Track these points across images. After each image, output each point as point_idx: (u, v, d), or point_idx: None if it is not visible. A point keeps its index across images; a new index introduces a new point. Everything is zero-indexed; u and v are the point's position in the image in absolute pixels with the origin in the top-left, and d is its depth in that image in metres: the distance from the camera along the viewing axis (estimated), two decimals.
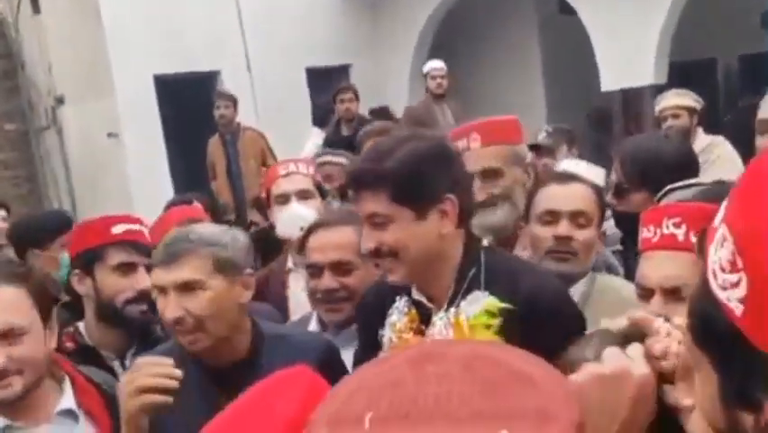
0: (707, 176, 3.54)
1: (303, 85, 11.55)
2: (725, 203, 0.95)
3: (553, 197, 2.79)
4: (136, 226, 2.95)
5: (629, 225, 2.85)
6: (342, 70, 11.96)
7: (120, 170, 10.07)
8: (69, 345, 2.83)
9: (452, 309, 2.16)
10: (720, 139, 5.44)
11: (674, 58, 11.08)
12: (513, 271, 2.22)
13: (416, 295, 2.26)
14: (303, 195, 3.71)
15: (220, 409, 2.16)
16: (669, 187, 2.72)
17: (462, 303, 2.15)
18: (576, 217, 2.73)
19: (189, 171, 9.97)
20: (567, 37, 12.20)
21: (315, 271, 2.78)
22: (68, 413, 2.23)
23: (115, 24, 9.86)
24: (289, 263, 3.67)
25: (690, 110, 5.49)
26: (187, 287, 2.23)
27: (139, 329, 2.87)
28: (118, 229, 2.89)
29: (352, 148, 7.62)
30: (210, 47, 10.63)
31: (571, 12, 11.82)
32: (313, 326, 2.95)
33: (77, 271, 2.86)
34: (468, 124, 3.30)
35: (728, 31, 13.31)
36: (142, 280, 2.74)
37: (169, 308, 2.23)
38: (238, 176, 8.40)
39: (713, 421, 1.00)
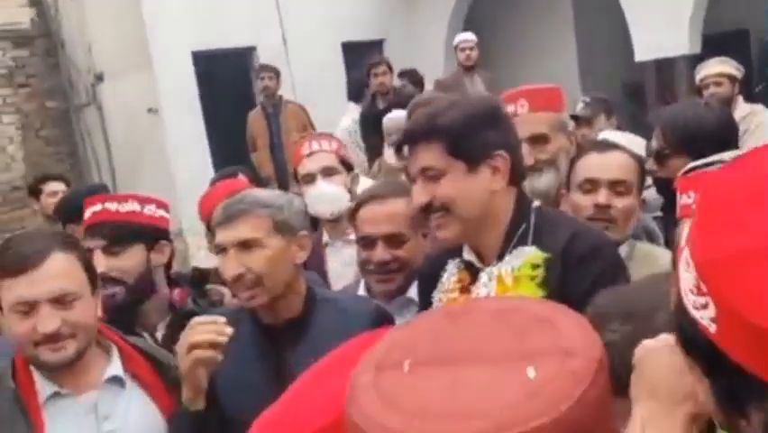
0: (747, 144, 3.57)
1: (338, 59, 11.63)
2: (688, 224, 0.98)
3: (593, 165, 2.84)
4: (98, 207, 2.89)
5: (670, 190, 2.90)
6: (377, 45, 12.04)
7: (160, 145, 10.22)
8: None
9: (497, 264, 2.22)
10: (760, 108, 5.46)
11: (707, 29, 11.05)
12: (557, 223, 2.29)
13: (467, 255, 2.32)
14: (328, 172, 3.76)
15: (274, 363, 2.33)
16: (707, 159, 2.73)
17: (507, 257, 2.21)
18: (615, 186, 2.78)
19: (228, 146, 10.10)
20: (600, 7, 12.19)
21: (367, 242, 2.85)
22: (116, 380, 2.28)
23: (154, 1, 9.99)
24: (325, 238, 3.75)
25: (732, 78, 5.49)
26: (245, 245, 2.35)
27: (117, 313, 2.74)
28: (87, 213, 2.92)
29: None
30: (246, 23, 10.73)
31: None
32: (361, 294, 3.02)
33: None
34: (516, 91, 3.38)
35: (760, 2, 13.22)
36: (97, 264, 2.62)
37: (229, 265, 2.36)
38: (280, 149, 8.48)
39: (718, 422, 1.02)
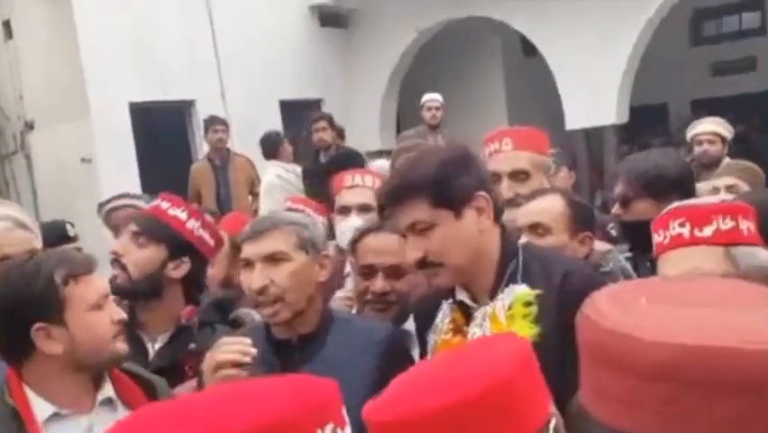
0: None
1: (276, 116, 11.70)
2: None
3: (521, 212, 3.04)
4: (158, 202, 3.02)
5: (637, 233, 3.10)
6: (315, 104, 12.16)
7: (93, 195, 10.01)
8: None
9: (490, 303, 2.26)
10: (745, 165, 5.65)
11: (632, 101, 11.54)
12: (546, 261, 2.34)
13: (460, 295, 2.35)
14: (363, 208, 3.76)
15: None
16: (672, 206, 2.97)
17: (500, 295, 2.25)
18: (535, 228, 2.97)
19: None
20: (531, 78, 12.60)
21: (368, 272, 2.87)
22: (109, 402, 2.29)
23: (93, 50, 9.91)
24: (347, 269, 3.75)
25: (724, 139, 5.70)
26: (272, 258, 2.39)
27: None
28: (150, 205, 3.08)
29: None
30: (185, 76, 10.77)
31: (533, 54, 12.24)
32: None
33: None
34: (501, 130, 3.50)
35: (679, 78, 13.87)
36: (117, 242, 2.84)
37: (255, 277, 2.38)
38: (227, 200, 8.44)
39: None
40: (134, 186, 10.24)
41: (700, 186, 5.40)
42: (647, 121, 12.53)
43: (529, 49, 12.83)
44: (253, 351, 2.16)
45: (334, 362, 2.38)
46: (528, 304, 2.20)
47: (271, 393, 1.09)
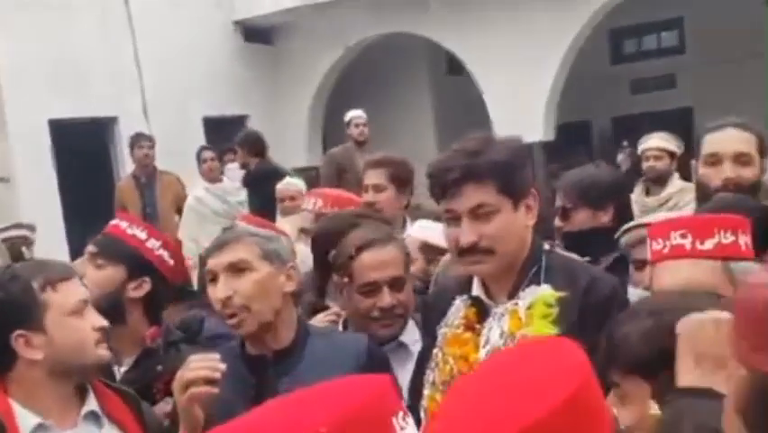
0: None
1: (200, 133, 11.53)
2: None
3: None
4: (116, 222, 3.02)
5: (577, 241, 3.21)
6: (239, 121, 12.03)
7: (12, 214, 9.76)
8: None
9: (510, 301, 2.24)
10: (692, 186, 5.72)
11: (558, 119, 11.74)
12: (571, 267, 2.35)
13: (477, 291, 2.34)
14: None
15: (258, 393, 2.30)
16: (626, 227, 3.06)
17: (521, 294, 2.23)
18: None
19: (84, 217, 9.79)
20: (458, 95, 12.70)
21: (371, 289, 2.78)
22: (93, 415, 2.29)
23: (11, 66, 9.67)
24: None
25: (672, 154, 5.74)
26: (235, 268, 2.38)
27: None
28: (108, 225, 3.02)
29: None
30: (107, 92, 10.57)
31: (460, 72, 12.35)
32: None
33: None
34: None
35: (602, 95, 14.14)
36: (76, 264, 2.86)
37: (219, 288, 2.38)
38: (154, 218, 8.28)
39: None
40: (54, 205, 10.04)
41: (649, 200, 5.48)
42: (571, 138, 12.71)
43: (455, 67, 12.93)
44: (222, 366, 2.14)
45: (311, 376, 2.31)
46: (550, 305, 2.18)
47: (338, 392, 1.09)
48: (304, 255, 3.44)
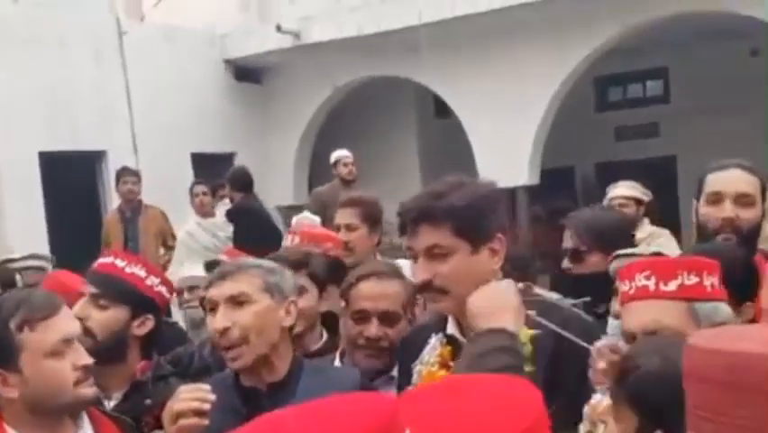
0: None
1: (188, 169, 11.58)
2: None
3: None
4: (109, 259, 2.97)
5: (588, 285, 3.20)
6: (228, 158, 12.11)
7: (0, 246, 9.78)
8: None
9: None
10: (663, 231, 5.83)
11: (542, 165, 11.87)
12: (543, 306, 2.38)
13: (451, 329, 2.37)
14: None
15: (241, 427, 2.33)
16: (616, 253, 3.07)
17: None
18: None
19: (71, 249, 9.77)
20: (444, 138, 12.83)
21: (362, 317, 2.89)
22: None
23: (2, 97, 9.71)
24: None
25: (638, 201, 5.87)
26: (235, 300, 2.42)
27: None
28: (97, 261, 2.99)
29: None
30: (97, 126, 10.65)
31: (446, 115, 12.48)
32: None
33: None
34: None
35: (586, 142, 14.29)
36: (78, 307, 2.79)
37: (218, 319, 2.41)
38: (135, 252, 8.30)
39: None
40: (41, 236, 10.02)
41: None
42: (555, 183, 12.83)
43: (442, 110, 13.07)
44: (212, 397, 2.18)
45: None
46: (523, 344, 2.20)
47: (352, 408, 1.12)
48: None
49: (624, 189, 5.92)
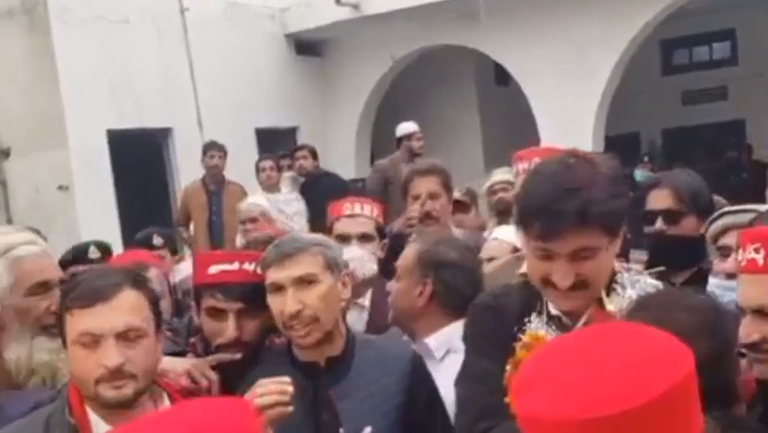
0: None
1: (252, 144, 11.73)
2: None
3: None
4: (233, 265, 2.67)
5: (679, 248, 3.12)
6: (290, 132, 12.21)
7: (70, 223, 10.01)
8: None
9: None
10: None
11: (607, 131, 11.71)
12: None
13: (555, 311, 2.21)
14: (364, 237, 3.79)
15: (314, 400, 2.36)
16: (712, 217, 2.96)
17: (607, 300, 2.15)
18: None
19: (139, 226, 9.96)
20: (505, 106, 12.74)
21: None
22: None
23: (72, 78, 9.91)
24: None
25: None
26: (303, 281, 2.40)
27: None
28: (213, 270, 2.67)
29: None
30: (162, 104, 10.79)
31: (506, 83, 12.39)
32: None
33: None
34: (531, 150, 3.58)
35: (652, 107, 14.06)
36: (229, 328, 2.63)
37: (289, 302, 2.39)
38: (219, 227, 8.36)
39: None
40: (111, 213, 10.26)
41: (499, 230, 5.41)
42: (620, 149, 12.68)
43: (502, 77, 12.97)
44: (291, 389, 2.11)
45: (361, 384, 2.45)
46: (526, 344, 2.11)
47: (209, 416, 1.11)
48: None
49: (501, 175, 5.83)
